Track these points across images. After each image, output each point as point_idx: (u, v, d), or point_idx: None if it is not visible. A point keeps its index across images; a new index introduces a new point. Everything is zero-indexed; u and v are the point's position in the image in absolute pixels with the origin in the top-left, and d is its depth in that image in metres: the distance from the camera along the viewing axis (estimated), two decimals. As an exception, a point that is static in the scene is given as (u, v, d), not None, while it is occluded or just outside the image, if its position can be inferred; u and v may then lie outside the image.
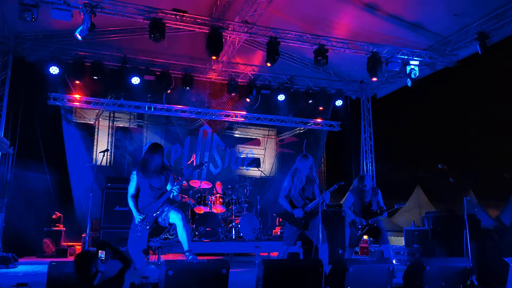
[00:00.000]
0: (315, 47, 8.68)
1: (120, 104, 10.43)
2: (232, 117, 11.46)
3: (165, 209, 5.26)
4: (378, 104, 12.15)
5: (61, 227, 9.07)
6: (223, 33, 8.15)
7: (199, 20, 8.03)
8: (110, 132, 11.25)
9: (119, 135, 11.35)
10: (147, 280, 4.85)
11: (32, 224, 8.63)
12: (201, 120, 12.00)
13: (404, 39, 9.19)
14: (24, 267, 7.06)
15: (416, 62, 9.17)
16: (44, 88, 9.68)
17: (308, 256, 7.08)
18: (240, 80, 10.98)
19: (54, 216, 9.05)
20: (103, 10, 7.35)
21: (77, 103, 10.24)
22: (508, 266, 5.02)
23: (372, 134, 12.07)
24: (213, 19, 8.22)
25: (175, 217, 5.21)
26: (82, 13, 7.05)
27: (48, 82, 9.64)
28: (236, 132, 12.90)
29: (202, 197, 9.11)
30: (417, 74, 9.13)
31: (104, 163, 10.36)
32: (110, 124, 11.30)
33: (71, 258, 8.48)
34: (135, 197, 5.26)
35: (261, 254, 7.72)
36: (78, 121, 10.91)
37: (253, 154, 12.80)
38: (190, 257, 5.13)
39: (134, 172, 5.28)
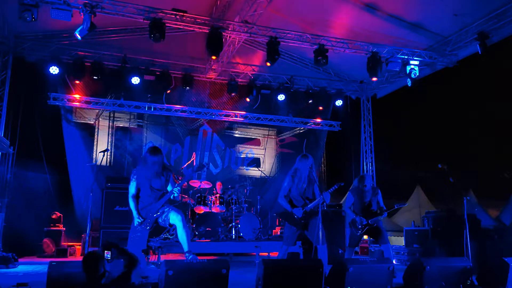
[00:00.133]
0: (315, 47, 8.68)
1: (120, 104, 10.43)
2: (232, 117, 11.46)
3: (166, 209, 5.27)
4: (378, 104, 12.15)
5: (61, 227, 9.06)
6: (223, 33, 8.15)
7: (199, 20, 8.03)
8: (110, 132, 11.25)
9: (119, 135, 11.35)
10: (147, 280, 4.84)
11: (32, 224, 8.63)
12: (201, 120, 12.00)
13: (404, 39, 9.19)
14: (24, 267, 7.05)
15: (416, 62, 9.17)
16: (44, 88, 9.69)
17: (308, 256, 7.08)
18: (240, 80, 10.98)
19: (54, 216, 9.04)
20: (103, 10, 7.35)
21: (77, 103, 10.24)
22: (508, 266, 5.01)
23: (372, 134, 12.07)
24: (213, 19, 8.22)
25: (175, 218, 5.22)
26: (82, 13, 7.05)
27: (48, 82, 9.64)
28: (236, 132, 12.90)
29: (202, 197, 9.11)
30: (417, 74, 9.13)
31: (104, 163, 10.36)
32: (110, 124, 11.30)
33: (71, 258, 8.53)
34: (136, 197, 5.27)
35: (261, 254, 7.72)
36: (78, 121, 10.90)
37: (253, 154, 12.80)
38: (190, 257, 5.14)
39: (135, 172, 5.29)
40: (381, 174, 11.83)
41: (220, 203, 9.13)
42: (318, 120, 12.05)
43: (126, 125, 11.54)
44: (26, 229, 8.44)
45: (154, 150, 5.32)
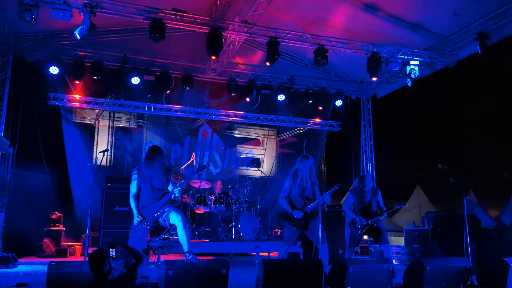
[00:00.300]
0: (315, 47, 8.68)
1: (120, 104, 10.43)
2: (232, 117, 11.45)
3: (166, 209, 5.28)
4: (378, 104, 12.15)
5: (61, 227, 9.06)
6: (223, 33, 8.15)
7: (199, 20, 8.03)
8: (110, 132, 11.25)
9: (119, 135, 11.35)
10: (147, 280, 4.85)
11: (32, 224, 8.62)
12: (201, 120, 12.00)
13: (404, 39, 9.19)
14: (24, 267, 7.05)
15: (416, 62, 9.17)
16: (44, 88, 9.68)
17: (308, 256, 7.08)
18: (240, 80, 10.98)
19: (53, 216, 9.03)
20: (103, 10, 7.34)
21: (77, 103, 10.24)
22: (508, 266, 5.02)
23: (372, 134, 12.07)
24: (213, 19, 8.22)
25: (175, 219, 5.23)
26: (82, 13, 7.05)
27: (48, 82, 9.64)
28: (236, 132, 12.90)
29: (202, 197, 9.11)
30: (417, 74, 9.12)
31: (104, 163, 10.36)
32: (110, 124, 11.30)
33: (71, 258, 8.53)
34: (137, 197, 5.27)
35: (261, 254, 7.72)
36: (78, 121, 10.90)
37: (253, 154, 12.80)
38: (190, 257, 5.15)
39: (135, 172, 5.29)
40: (381, 174, 11.83)
41: (220, 203, 9.12)
42: (318, 120, 12.04)
43: (126, 125, 11.54)
44: (26, 229, 8.43)
45: (155, 150, 5.34)
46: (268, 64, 8.47)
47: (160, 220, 5.28)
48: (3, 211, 8.22)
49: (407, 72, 9.08)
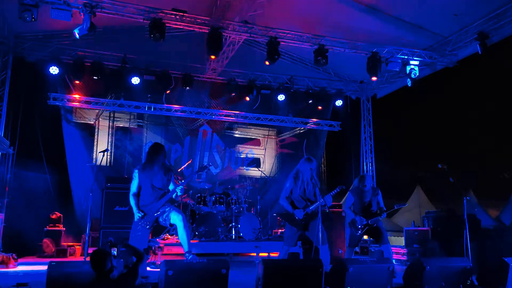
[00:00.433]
0: (315, 47, 8.68)
1: (120, 104, 10.44)
2: (232, 117, 11.45)
3: (167, 209, 5.28)
4: (378, 104, 12.15)
5: (61, 227, 9.06)
6: (223, 33, 8.15)
7: (199, 20, 8.03)
8: (110, 132, 11.25)
9: (119, 135, 11.35)
10: (147, 280, 4.85)
11: (32, 224, 8.62)
12: (201, 120, 12.00)
13: (404, 39, 9.19)
14: (24, 267, 7.05)
15: (416, 62, 9.17)
16: (44, 88, 9.68)
17: (308, 256, 7.08)
18: (240, 80, 10.98)
19: (53, 216, 9.03)
20: (103, 10, 7.35)
21: (77, 103, 10.24)
22: (508, 266, 5.02)
23: (372, 134, 12.07)
24: (213, 19, 8.22)
25: (176, 218, 5.23)
26: (82, 13, 7.05)
27: (48, 82, 9.64)
28: (236, 132, 12.90)
29: (202, 197, 9.11)
30: (417, 74, 9.13)
31: (104, 163, 10.35)
32: (110, 124, 11.30)
33: (71, 258, 8.53)
34: (137, 195, 5.28)
35: (261, 254, 7.72)
36: (78, 121, 10.90)
37: (253, 154, 12.80)
38: (190, 257, 5.15)
39: (136, 171, 5.30)
40: (381, 174, 11.83)
41: (220, 203, 9.12)
42: (318, 120, 12.04)
43: (126, 125, 11.54)
44: (26, 229, 8.43)
45: (157, 147, 5.35)
46: (267, 62, 8.47)
47: (161, 219, 5.28)
48: (3, 211, 8.22)
49: (407, 72, 9.08)
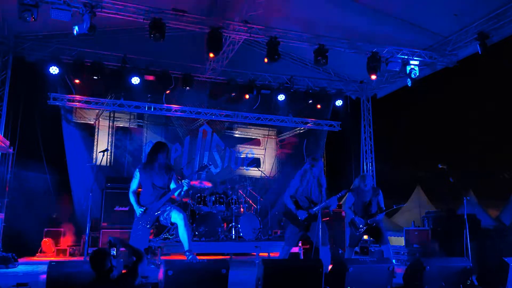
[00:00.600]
0: (315, 47, 8.67)
1: (120, 104, 10.43)
2: (232, 117, 11.45)
3: (167, 208, 5.28)
4: (378, 104, 12.14)
5: (61, 227, 9.06)
6: (223, 33, 8.14)
7: (199, 20, 8.02)
8: (110, 132, 11.25)
9: (119, 135, 11.34)
10: (147, 280, 4.85)
11: (32, 224, 8.62)
12: (201, 120, 11.99)
13: (404, 39, 9.18)
14: (24, 267, 7.06)
15: (416, 62, 9.16)
16: (44, 88, 9.68)
17: (308, 256, 7.08)
18: (240, 80, 10.98)
19: (53, 216, 9.04)
20: (103, 10, 7.34)
21: (77, 103, 10.24)
22: (508, 266, 5.02)
23: (372, 134, 12.07)
24: (213, 19, 8.21)
25: (176, 217, 5.23)
26: (82, 13, 7.05)
27: (48, 82, 9.64)
28: (236, 132, 12.90)
29: (202, 197, 9.11)
30: (417, 74, 9.12)
31: (104, 163, 10.35)
32: (110, 124, 11.30)
33: (71, 258, 8.53)
34: (137, 193, 5.29)
35: (261, 254, 7.71)
36: (78, 121, 10.90)
37: (253, 154, 12.79)
38: (190, 256, 5.15)
39: (138, 170, 5.31)
40: (381, 174, 11.83)
41: (220, 203, 9.11)
42: (318, 120, 12.04)
43: (126, 125, 11.54)
44: (26, 229, 8.43)
45: (159, 144, 5.36)
46: (266, 60, 8.45)
47: (161, 218, 5.28)
48: (3, 211, 8.21)
49: (407, 72, 9.07)
